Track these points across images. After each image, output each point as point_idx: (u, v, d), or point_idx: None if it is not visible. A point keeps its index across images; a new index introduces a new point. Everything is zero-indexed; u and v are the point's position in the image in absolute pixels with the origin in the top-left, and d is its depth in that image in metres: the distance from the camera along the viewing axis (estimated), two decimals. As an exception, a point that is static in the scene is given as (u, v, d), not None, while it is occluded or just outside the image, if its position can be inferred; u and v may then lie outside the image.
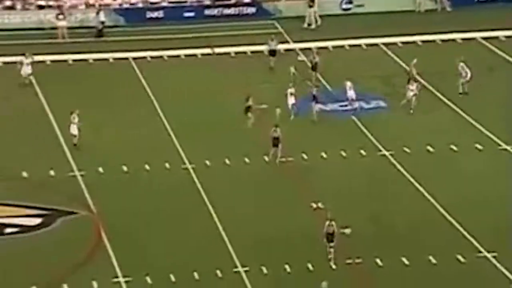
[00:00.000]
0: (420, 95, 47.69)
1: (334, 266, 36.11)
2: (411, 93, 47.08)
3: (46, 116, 46.04)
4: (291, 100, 45.80)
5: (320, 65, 49.57)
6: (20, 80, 48.61)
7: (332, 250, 36.36)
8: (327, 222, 36.51)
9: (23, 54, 48.49)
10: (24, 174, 41.04)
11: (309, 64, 49.96)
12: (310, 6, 56.22)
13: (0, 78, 49.59)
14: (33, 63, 48.36)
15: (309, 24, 56.29)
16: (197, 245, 37.33)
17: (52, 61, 51.61)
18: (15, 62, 49.27)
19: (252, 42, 53.64)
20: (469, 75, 48.30)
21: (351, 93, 47.28)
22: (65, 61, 51.78)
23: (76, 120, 42.79)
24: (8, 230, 37.06)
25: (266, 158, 42.84)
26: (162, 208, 39.56)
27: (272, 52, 50.78)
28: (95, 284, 34.76)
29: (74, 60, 51.81)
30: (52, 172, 41.45)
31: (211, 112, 46.58)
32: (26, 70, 48.06)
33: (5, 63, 50.95)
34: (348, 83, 47.34)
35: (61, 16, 54.68)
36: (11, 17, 55.27)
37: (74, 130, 42.74)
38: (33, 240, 37.05)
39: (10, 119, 44.87)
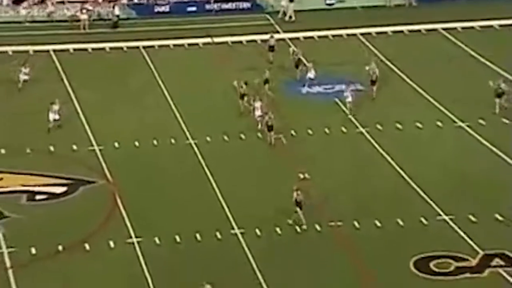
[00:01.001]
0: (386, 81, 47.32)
1: (305, 227, 35.95)
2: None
3: (70, 98, 45.76)
4: (257, 112, 42.44)
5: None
6: (50, 65, 48.21)
7: (301, 215, 36.10)
8: (295, 192, 36.14)
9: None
10: (52, 148, 40.92)
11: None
12: (291, 1, 55.68)
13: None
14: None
15: (285, 17, 55.55)
16: (198, 210, 37.19)
17: (75, 49, 51.28)
18: (47, 51, 49.26)
19: (247, 32, 53.38)
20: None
21: (311, 74, 46.56)
22: (86, 49, 51.45)
23: (57, 108, 41.88)
24: (38, 197, 36.97)
25: (259, 135, 42.67)
26: (168, 177, 39.40)
27: (271, 48, 49.79)
28: (111, 243, 34.67)
29: (93, 49, 51.49)
30: (74, 147, 41.34)
31: (211, 94, 46.34)
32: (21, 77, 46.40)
33: (35, 51, 50.56)
34: (310, 65, 46.44)
35: (83, 10, 54.19)
36: (40, 10, 54.73)
37: (53, 116, 41.93)
38: (59, 205, 36.90)
39: (40, 100, 44.46)
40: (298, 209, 36.17)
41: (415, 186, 39.45)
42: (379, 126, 44.20)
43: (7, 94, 45.81)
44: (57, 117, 41.91)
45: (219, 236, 35.73)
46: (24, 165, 39.01)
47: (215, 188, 38.68)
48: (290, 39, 52.94)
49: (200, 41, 52.44)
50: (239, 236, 35.83)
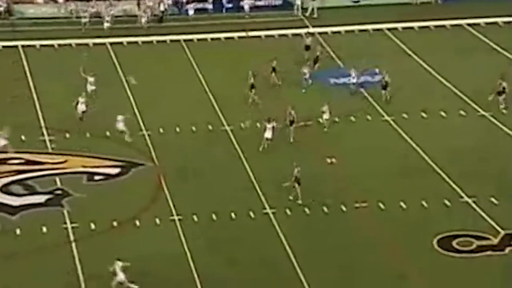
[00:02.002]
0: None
1: (300, 202, 36.67)
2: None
3: (123, 86, 46.67)
4: (267, 134, 40.83)
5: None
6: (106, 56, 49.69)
7: (299, 191, 36.77)
8: (295, 169, 36.86)
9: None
10: (107, 133, 41.92)
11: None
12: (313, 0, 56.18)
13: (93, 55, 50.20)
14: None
15: (307, 14, 56.05)
16: (234, 190, 37.98)
17: (128, 43, 52.25)
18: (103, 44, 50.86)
19: (279, 27, 54.03)
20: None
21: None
22: (136, 42, 52.38)
23: (83, 100, 42.79)
24: (96, 177, 38.60)
25: (287, 122, 43.07)
26: (206, 159, 40.27)
27: (307, 47, 49.83)
28: (157, 220, 35.87)
29: (143, 42, 52.41)
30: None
31: (244, 84, 46.80)
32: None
33: (95, 44, 51.74)
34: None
35: (141, 6, 55.02)
36: (97, 6, 55.51)
37: (82, 108, 42.78)
38: (113, 185, 38.28)
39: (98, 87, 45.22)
40: (296, 184, 36.73)
41: (439, 171, 39.83)
42: (404, 115, 44.53)
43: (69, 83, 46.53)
44: (84, 108, 42.72)
45: (252, 215, 36.33)
46: (84, 148, 40.59)
47: (249, 171, 39.38)
48: (319, 33, 53.37)
49: (235, 35, 53.18)
50: (271, 215, 36.48)
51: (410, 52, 51.69)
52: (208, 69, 48.95)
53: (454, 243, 34.84)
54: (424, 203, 37.40)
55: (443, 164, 40.11)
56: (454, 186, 38.45)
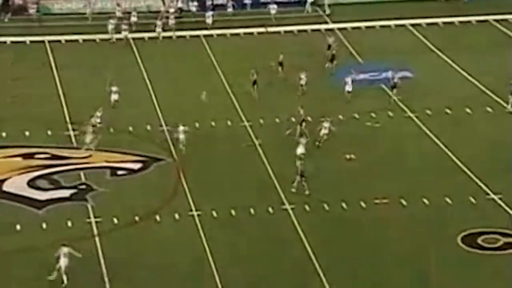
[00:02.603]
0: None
1: (307, 192, 37.34)
2: None
3: (145, 82, 47.38)
4: (300, 150, 39.91)
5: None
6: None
7: (305, 183, 37.45)
8: (298, 162, 37.92)
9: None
10: (130, 128, 42.70)
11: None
12: None
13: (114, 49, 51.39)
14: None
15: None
16: (253, 186, 38.53)
17: (149, 38, 53.24)
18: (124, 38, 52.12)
19: (298, 23, 54.61)
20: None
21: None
22: (157, 38, 53.22)
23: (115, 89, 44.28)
24: (119, 172, 39.70)
25: (309, 118, 43.41)
26: (225, 155, 40.87)
27: (329, 47, 49.85)
28: (176, 215, 36.62)
29: (163, 37, 53.27)
30: (148, 127, 43.07)
31: (263, 79, 47.26)
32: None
33: (118, 39, 52.49)
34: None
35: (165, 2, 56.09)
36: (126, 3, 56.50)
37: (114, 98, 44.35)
38: (135, 180, 39.25)
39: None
40: (299, 177, 37.37)
41: (464, 168, 40.12)
42: (428, 112, 44.75)
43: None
44: (117, 97, 44.34)
45: (271, 210, 36.79)
46: (107, 143, 41.47)
47: (268, 167, 39.87)
48: (339, 29, 53.83)
49: (255, 30, 53.77)
50: (290, 211, 36.91)
51: (434, 48, 52.01)
52: (227, 64, 49.61)
53: (479, 240, 35.09)
54: (448, 199, 37.65)
55: (468, 161, 40.45)
56: (479, 183, 38.74)
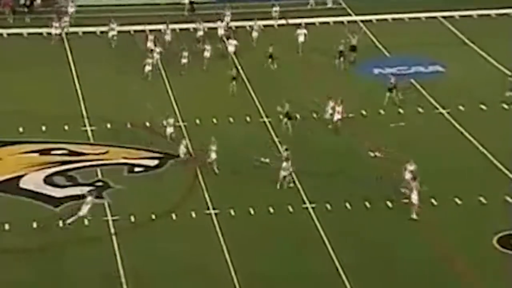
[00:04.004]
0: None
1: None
2: None
3: (161, 75, 48.20)
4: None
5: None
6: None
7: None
8: (285, 152, 39.15)
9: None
10: (147, 123, 43.56)
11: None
12: None
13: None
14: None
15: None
16: (272, 184, 38.96)
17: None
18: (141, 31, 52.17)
19: (320, 15, 55.42)
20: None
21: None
22: (174, 29, 53.27)
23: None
24: (137, 169, 40.84)
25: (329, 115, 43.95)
26: (243, 152, 41.35)
27: (353, 48, 50.10)
28: (193, 214, 37.52)
29: (180, 29, 53.78)
30: (165, 122, 43.20)
31: (282, 73, 47.67)
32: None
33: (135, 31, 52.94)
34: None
35: None
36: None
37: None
38: (152, 177, 40.24)
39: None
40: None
41: (500, 166, 40.45)
42: (461, 107, 45.16)
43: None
44: None
45: (290, 209, 37.41)
46: (125, 139, 42.64)
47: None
48: (362, 21, 54.51)
49: (276, 22, 54.50)
50: (310, 210, 37.57)
51: (468, 41, 52.41)
52: (246, 58, 50.05)
53: (516, 241, 35.49)
54: (482, 199, 37.95)
55: (503, 159, 41.06)
56: (515, 181, 39.24)
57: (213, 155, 40.25)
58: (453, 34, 53.67)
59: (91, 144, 42.46)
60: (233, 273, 33.91)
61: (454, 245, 35.50)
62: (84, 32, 53.01)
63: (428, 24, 55.06)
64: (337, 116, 42.90)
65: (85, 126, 43.82)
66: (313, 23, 54.49)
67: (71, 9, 54.31)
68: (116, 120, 44.01)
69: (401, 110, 45.06)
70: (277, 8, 55.09)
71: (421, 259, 34.80)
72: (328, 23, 54.73)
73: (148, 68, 47.49)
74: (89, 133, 43.23)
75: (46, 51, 51.07)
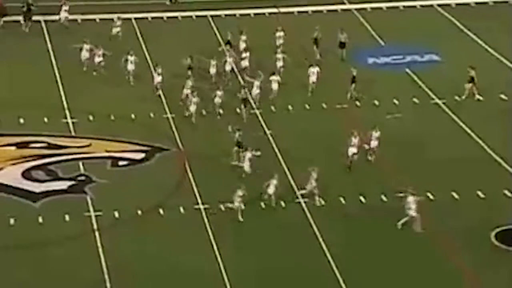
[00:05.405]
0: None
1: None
2: None
3: (148, 66, 47.56)
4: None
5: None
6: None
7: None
8: (237, 133, 39.29)
9: None
10: (133, 116, 43.24)
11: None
12: None
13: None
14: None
15: None
16: (263, 179, 38.19)
17: (152, 18, 53.24)
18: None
19: (313, 3, 54.92)
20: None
21: None
22: (162, 18, 53.28)
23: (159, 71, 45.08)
24: (121, 163, 40.29)
25: (324, 106, 43.60)
26: (232, 147, 40.40)
27: (342, 45, 49.23)
28: (181, 209, 37.11)
29: (168, 17, 53.52)
30: (151, 114, 43.50)
31: (273, 63, 47.49)
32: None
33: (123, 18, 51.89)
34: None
35: None
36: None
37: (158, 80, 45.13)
38: (138, 171, 39.76)
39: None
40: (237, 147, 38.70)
41: (498, 159, 40.16)
42: (457, 98, 45.04)
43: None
44: (160, 79, 44.90)
45: (283, 204, 37.22)
46: (108, 131, 42.14)
47: (280, 158, 40.29)
48: (356, 9, 54.17)
49: (266, 11, 54.18)
50: (303, 204, 37.38)
51: (464, 30, 52.14)
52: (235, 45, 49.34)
53: (514, 236, 35.32)
54: (480, 193, 37.72)
55: (502, 152, 40.69)
56: (514, 175, 39.05)
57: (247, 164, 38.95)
58: (449, 22, 53.46)
59: (72, 137, 41.72)
60: (223, 270, 33.56)
61: (451, 240, 35.21)
62: (69, 20, 51.85)
63: (423, 12, 54.64)
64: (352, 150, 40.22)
65: (65, 118, 43.05)
66: (306, 12, 54.43)
67: None
68: (100, 112, 43.27)
69: (395, 101, 44.83)
70: None
71: (417, 253, 34.53)
72: (321, 11, 54.37)
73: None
74: (70, 126, 42.39)
75: (25, 40, 50.26)
